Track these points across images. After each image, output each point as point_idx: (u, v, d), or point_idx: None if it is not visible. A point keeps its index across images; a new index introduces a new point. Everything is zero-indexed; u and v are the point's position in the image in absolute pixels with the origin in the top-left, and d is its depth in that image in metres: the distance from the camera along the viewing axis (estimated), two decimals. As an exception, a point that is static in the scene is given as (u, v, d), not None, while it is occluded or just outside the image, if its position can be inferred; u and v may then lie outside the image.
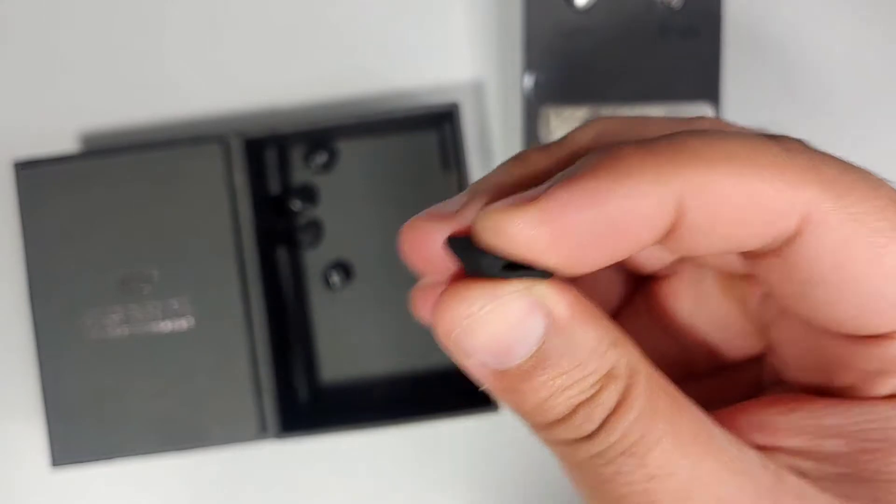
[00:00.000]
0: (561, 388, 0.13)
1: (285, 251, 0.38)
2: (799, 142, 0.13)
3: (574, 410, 0.13)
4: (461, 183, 0.35)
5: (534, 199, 0.12)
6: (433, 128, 0.38)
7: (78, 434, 0.35)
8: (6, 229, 0.38)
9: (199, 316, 0.35)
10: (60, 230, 0.35)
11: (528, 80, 0.36)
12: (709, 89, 0.35)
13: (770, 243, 0.13)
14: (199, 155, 0.35)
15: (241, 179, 0.35)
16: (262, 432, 0.35)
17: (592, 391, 0.13)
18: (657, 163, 0.12)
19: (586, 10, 0.35)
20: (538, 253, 0.12)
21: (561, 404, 0.13)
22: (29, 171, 0.35)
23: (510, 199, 0.13)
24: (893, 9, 0.39)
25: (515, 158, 0.15)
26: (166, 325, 0.35)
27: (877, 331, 0.13)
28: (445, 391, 0.38)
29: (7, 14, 0.39)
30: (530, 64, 0.36)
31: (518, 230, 0.12)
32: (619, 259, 0.13)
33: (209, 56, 0.39)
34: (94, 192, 0.35)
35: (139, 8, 0.39)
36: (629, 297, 0.18)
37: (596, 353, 0.13)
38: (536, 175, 0.14)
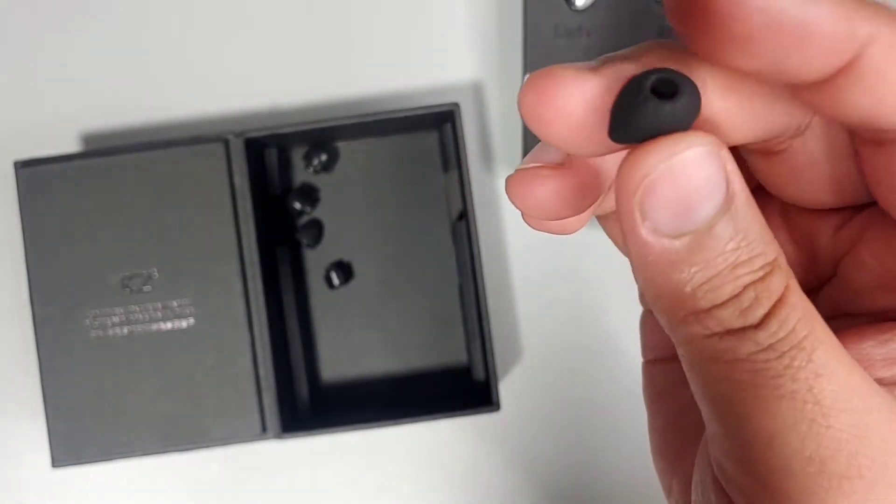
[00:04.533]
0: (733, 263, 0.12)
1: (286, 251, 0.38)
2: None
3: (743, 290, 0.12)
4: (461, 183, 0.35)
5: None
6: (433, 128, 0.38)
7: (78, 434, 0.35)
8: (6, 229, 0.38)
9: (200, 316, 0.35)
10: (61, 230, 0.35)
11: (528, 81, 0.36)
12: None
13: None
14: (200, 155, 0.35)
15: (241, 179, 0.35)
16: (262, 432, 0.35)
17: (761, 273, 0.12)
18: (862, 4, 0.12)
19: (586, 11, 0.36)
20: (728, 9, 0.12)
21: (731, 283, 0.12)
22: (29, 171, 0.35)
23: None
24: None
25: None
26: (167, 325, 0.35)
27: None
28: (445, 391, 0.38)
29: (7, 14, 0.39)
30: (530, 64, 0.36)
31: None
32: (777, 75, 0.13)
33: (209, 56, 0.39)
34: (95, 192, 0.35)
35: (139, 9, 0.39)
36: None
37: (763, 237, 0.13)
38: None
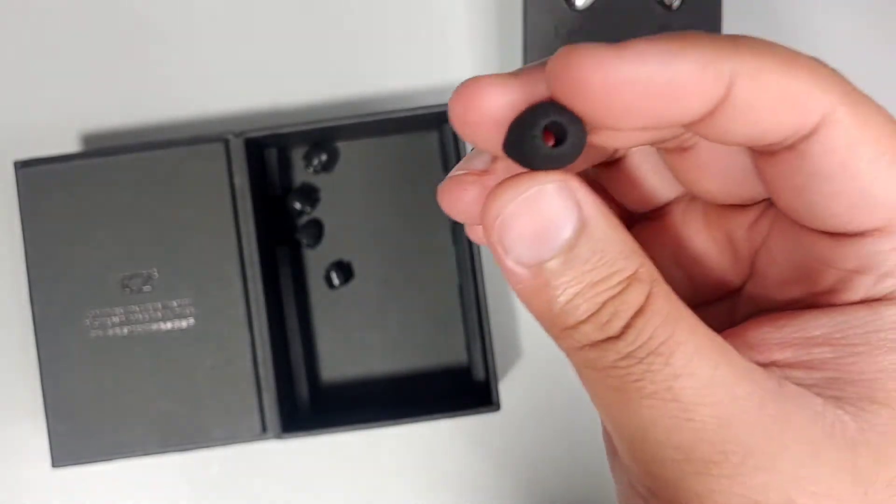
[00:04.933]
0: (591, 283, 0.14)
1: (286, 251, 0.38)
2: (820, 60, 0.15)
3: (602, 307, 0.14)
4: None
5: (613, 45, 0.13)
6: (433, 128, 0.38)
7: (79, 434, 0.35)
8: (6, 229, 0.38)
9: (200, 316, 0.35)
10: (61, 230, 0.35)
11: (528, 81, 0.36)
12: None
13: (790, 136, 0.14)
14: (200, 155, 0.35)
15: (241, 179, 0.35)
16: (262, 432, 0.35)
17: (619, 288, 0.14)
18: (721, 44, 0.14)
19: (586, 11, 0.36)
20: (605, 94, 0.13)
21: (590, 301, 0.14)
22: (29, 171, 0.35)
23: (586, 44, 0.13)
24: (892, 12, 0.39)
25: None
26: (167, 325, 0.35)
27: (860, 227, 0.14)
28: (445, 391, 0.38)
29: (7, 14, 0.39)
30: (530, 64, 0.36)
31: (597, 64, 0.13)
32: (661, 126, 0.14)
33: (210, 57, 0.39)
34: (95, 192, 0.35)
35: (140, 9, 0.39)
36: None
37: (622, 253, 0.14)
38: None
